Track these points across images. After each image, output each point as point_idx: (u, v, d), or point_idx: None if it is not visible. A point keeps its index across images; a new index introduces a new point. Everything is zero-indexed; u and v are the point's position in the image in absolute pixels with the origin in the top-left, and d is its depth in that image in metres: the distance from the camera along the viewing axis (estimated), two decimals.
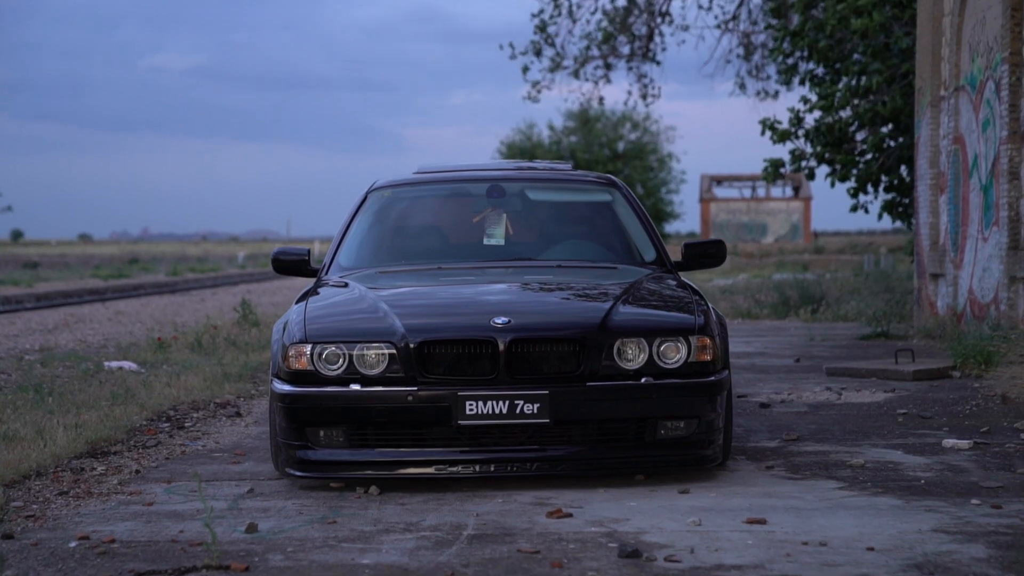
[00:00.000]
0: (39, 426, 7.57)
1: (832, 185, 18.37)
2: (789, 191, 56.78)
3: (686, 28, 26.19)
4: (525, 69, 26.09)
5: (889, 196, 18.80)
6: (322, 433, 5.95)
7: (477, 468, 5.88)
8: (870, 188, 18.73)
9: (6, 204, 75.16)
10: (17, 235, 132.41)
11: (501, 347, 5.83)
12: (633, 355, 5.92)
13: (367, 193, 7.72)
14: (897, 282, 20.95)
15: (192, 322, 18.13)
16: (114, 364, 11.08)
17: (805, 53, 19.04)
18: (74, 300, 27.64)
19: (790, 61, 20.01)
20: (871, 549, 4.73)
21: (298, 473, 6.00)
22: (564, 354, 5.89)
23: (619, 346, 5.92)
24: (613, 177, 7.94)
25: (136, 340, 14.70)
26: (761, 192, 57.27)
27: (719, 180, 57.82)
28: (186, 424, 8.27)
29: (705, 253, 7.32)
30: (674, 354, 5.96)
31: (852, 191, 18.44)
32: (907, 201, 18.53)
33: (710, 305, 6.45)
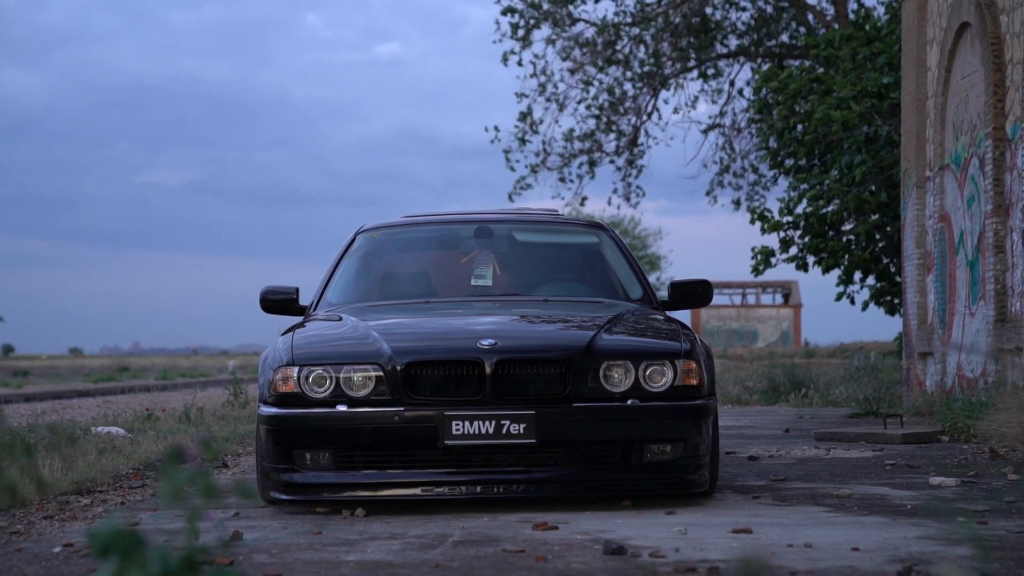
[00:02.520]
0: (23, 467, 7.54)
1: (824, 272, 18.48)
2: (779, 298, 56.98)
3: (677, 112, 26.17)
4: (507, 152, 25.82)
5: (876, 285, 18.93)
6: (308, 455, 5.94)
7: (463, 489, 5.88)
8: (857, 277, 18.87)
9: None
10: (8, 349, 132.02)
11: (488, 368, 5.85)
12: (619, 378, 5.95)
13: (355, 235, 7.76)
14: (886, 372, 20.94)
15: (181, 408, 18.06)
16: (102, 429, 11.06)
17: (791, 149, 19.24)
18: (63, 398, 27.56)
19: (779, 159, 20.17)
20: (856, 549, 4.73)
21: (284, 496, 5.98)
22: (550, 376, 5.91)
23: (605, 369, 5.94)
24: (600, 221, 8.02)
25: (124, 417, 14.65)
26: (751, 299, 57.49)
27: None
28: None
29: (691, 293, 7.35)
30: (660, 378, 5.98)
31: (842, 278, 18.57)
32: (894, 291, 18.63)
33: (696, 336, 6.49)
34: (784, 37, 25.32)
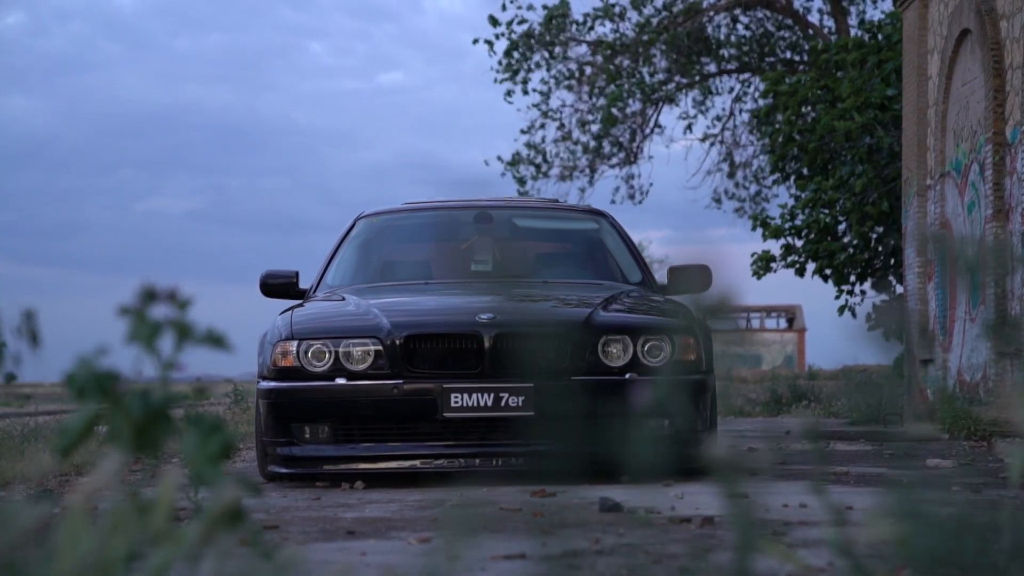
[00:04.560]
0: (22, 451, 7.57)
1: (818, 272, 18.51)
2: (783, 323, 57.03)
3: (691, 124, 25.95)
4: (518, 179, 25.81)
5: (876, 300, 18.95)
6: (307, 429, 5.96)
7: (462, 461, 5.90)
8: (857, 291, 18.89)
9: None
10: (11, 378, 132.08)
11: (486, 342, 5.89)
12: (618, 352, 5.98)
13: (355, 220, 7.79)
14: (888, 387, 20.97)
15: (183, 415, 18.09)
16: (102, 428, 11.10)
17: (794, 154, 19.28)
18: (66, 413, 27.63)
19: (782, 164, 20.17)
20: (850, 508, 4.76)
21: (283, 470, 6.01)
22: (549, 350, 5.93)
23: (604, 343, 5.97)
24: (600, 208, 8.05)
25: None
26: (755, 323, 57.52)
27: None
28: (173, 460, 8.27)
29: (690, 279, 7.37)
30: (658, 352, 6.02)
31: (836, 280, 18.59)
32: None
33: (695, 314, 6.52)
34: (785, 54, 25.36)
